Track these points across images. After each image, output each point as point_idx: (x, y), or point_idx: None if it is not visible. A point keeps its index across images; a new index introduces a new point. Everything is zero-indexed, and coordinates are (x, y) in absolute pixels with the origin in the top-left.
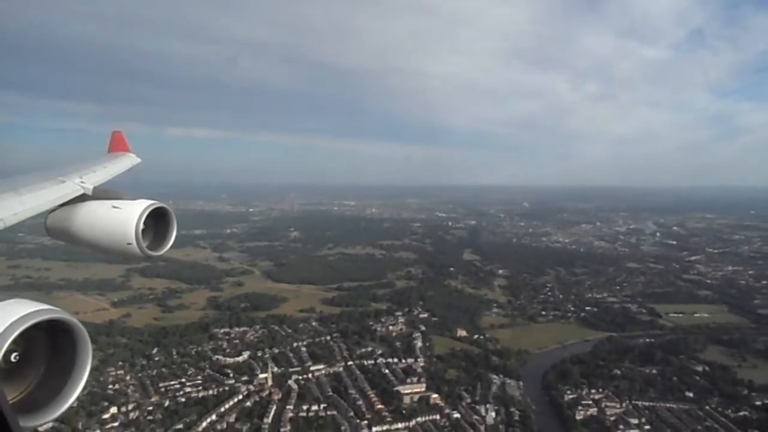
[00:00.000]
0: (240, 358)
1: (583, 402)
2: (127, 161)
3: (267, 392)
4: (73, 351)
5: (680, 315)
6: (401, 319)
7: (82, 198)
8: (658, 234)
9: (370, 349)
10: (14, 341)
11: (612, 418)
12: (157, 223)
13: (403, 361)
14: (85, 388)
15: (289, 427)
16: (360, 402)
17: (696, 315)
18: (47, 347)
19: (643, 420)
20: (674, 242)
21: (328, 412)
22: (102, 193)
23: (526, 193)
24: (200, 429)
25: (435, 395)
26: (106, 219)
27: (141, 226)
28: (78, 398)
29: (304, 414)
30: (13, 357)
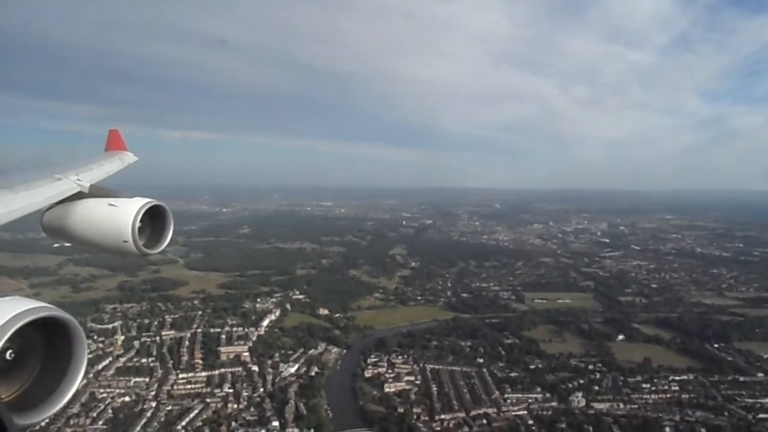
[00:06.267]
0: (110, 325)
1: (379, 364)
2: (124, 159)
3: (111, 349)
4: (68, 349)
5: (543, 301)
6: (274, 299)
7: (79, 196)
8: (598, 233)
9: (224, 321)
10: (9, 339)
11: (391, 376)
12: (153, 221)
13: (245, 330)
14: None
15: (112, 371)
16: (185, 357)
17: (559, 301)
18: (43, 345)
19: (418, 377)
20: (607, 240)
21: (153, 363)
22: (98, 191)
23: (507, 195)
24: None
25: (246, 354)
26: (102, 217)
27: (137, 224)
28: (73, 396)
29: (131, 364)
30: (8, 355)
